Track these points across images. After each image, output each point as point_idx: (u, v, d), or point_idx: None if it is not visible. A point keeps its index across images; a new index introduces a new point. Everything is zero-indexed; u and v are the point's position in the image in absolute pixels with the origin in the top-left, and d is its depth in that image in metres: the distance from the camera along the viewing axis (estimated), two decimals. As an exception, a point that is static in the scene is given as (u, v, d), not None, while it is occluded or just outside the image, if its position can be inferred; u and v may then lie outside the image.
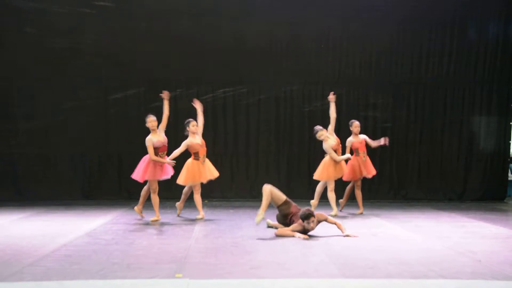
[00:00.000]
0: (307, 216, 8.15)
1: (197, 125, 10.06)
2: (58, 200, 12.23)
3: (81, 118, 12.42)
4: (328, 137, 10.47)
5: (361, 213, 10.94)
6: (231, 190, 12.90)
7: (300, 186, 12.77)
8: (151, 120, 9.69)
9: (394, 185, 13.24)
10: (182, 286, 5.59)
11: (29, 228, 9.10)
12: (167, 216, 10.27)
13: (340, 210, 11.12)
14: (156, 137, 9.63)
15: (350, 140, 10.97)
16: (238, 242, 7.85)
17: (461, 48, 13.13)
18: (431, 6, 13.06)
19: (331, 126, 10.50)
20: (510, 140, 13.48)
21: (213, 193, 12.57)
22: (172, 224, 9.58)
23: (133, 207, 10.37)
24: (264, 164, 13.00)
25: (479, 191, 13.28)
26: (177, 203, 10.38)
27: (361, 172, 10.89)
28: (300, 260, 6.83)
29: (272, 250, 7.37)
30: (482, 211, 11.51)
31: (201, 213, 10.09)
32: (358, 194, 11.01)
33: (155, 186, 9.73)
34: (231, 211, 11.19)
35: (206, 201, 12.06)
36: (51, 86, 12.46)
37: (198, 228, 9.14)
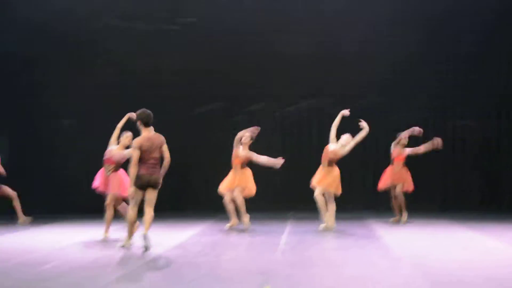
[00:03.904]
0: None
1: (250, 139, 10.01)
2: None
3: (167, 132, 12.55)
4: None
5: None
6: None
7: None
8: (127, 136, 9.19)
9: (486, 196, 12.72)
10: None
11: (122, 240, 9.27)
12: (254, 228, 10.24)
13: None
14: (116, 149, 9.19)
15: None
16: (325, 255, 7.75)
17: None
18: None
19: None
20: None
21: (299, 205, 12.43)
22: (258, 236, 9.52)
23: (220, 219, 10.35)
24: (348, 176, 12.77)
25: None
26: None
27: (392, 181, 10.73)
28: (388, 273, 6.60)
29: (359, 262, 7.20)
30: None
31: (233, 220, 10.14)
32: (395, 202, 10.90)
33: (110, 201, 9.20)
34: (316, 222, 11.06)
35: (291, 213, 11.99)
36: (135, 101, 12.70)
37: (284, 240, 9.05)
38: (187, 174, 12.89)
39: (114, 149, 9.16)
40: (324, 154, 10.04)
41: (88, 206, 11.15)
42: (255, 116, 12.81)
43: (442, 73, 12.85)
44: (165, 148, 7.98)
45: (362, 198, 12.71)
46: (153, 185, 7.87)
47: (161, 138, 8.02)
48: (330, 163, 9.96)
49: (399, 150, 10.77)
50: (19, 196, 9.96)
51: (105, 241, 8.99)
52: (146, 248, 7.67)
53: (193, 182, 12.97)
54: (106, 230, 9.18)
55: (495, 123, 12.84)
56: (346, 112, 10.20)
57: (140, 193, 7.87)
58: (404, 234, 9.70)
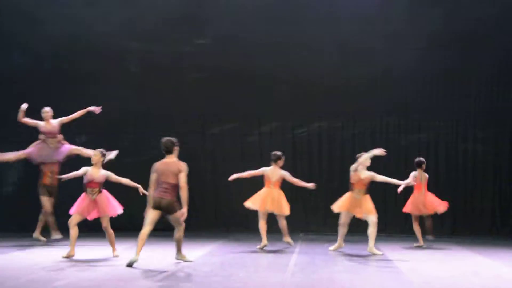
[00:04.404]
0: None
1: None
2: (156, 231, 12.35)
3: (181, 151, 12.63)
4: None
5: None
6: (326, 224, 12.66)
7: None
8: (95, 154, 9.17)
9: (497, 221, 12.62)
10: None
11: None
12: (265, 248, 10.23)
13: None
14: (91, 170, 9.05)
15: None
16: (334, 277, 7.65)
17: None
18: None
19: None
20: None
21: (309, 227, 12.41)
22: (268, 256, 9.50)
23: (229, 240, 10.35)
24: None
25: None
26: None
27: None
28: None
29: (369, 285, 7.16)
30: None
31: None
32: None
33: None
34: (326, 245, 11.01)
35: (301, 234, 11.95)
36: (151, 120, 12.81)
37: (293, 261, 9.01)
38: (197, 194, 12.90)
39: (91, 171, 9.02)
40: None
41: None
42: (266, 136, 12.88)
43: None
44: (181, 176, 8.17)
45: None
46: (165, 209, 8.16)
47: (179, 165, 8.25)
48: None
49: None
50: None
51: (116, 257, 9.09)
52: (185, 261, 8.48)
53: (204, 202, 12.96)
54: (113, 249, 9.28)
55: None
56: (380, 151, 9.89)
57: (154, 213, 8.20)
58: (414, 257, 9.63)
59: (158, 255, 9.46)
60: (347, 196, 10.01)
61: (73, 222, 8.95)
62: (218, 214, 12.65)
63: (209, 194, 12.89)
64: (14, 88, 12.50)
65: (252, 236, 11.33)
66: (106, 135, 12.32)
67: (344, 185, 12.53)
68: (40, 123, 10.79)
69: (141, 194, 8.99)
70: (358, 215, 9.97)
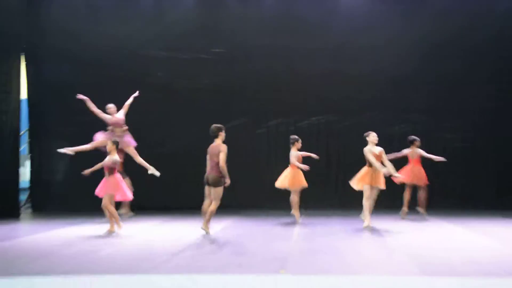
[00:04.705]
0: None
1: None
2: (182, 209, 12.38)
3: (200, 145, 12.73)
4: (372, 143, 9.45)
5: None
6: (323, 201, 12.68)
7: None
8: (108, 144, 9.17)
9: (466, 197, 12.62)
10: (285, 281, 5.59)
11: (164, 231, 9.46)
12: (271, 222, 10.31)
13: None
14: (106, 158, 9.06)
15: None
16: (331, 244, 7.76)
17: None
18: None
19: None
20: None
21: (309, 204, 12.45)
22: (276, 229, 9.58)
23: (243, 215, 10.43)
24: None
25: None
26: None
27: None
28: (383, 259, 6.70)
29: (359, 250, 7.27)
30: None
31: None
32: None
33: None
34: (323, 219, 11.09)
35: (302, 209, 12.06)
36: (174, 116, 12.90)
37: (296, 232, 9.12)
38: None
39: (106, 158, 9.02)
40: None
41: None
42: (273, 129, 13.01)
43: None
44: (221, 155, 8.46)
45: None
46: (211, 183, 8.50)
47: (219, 147, 8.58)
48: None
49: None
50: None
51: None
52: (206, 232, 8.56)
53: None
54: (119, 225, 9.02)
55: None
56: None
57: (207, 187, 8.62)
58: (397, 228, 9.62)
59: (185, 229, 9.63)
60: (366, 171, 9.41)
61: (104, 203, 8.85)
62: (231, 194, 12.68)
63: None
64: (64, 94, 12.59)
65: (260, 213, 11.51)
66: (140, 128, 12.38)
67: (336, 166, 12.83)
68: (107, 116, 11.01)
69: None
70: (382, 187, 9.45)
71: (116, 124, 11.00)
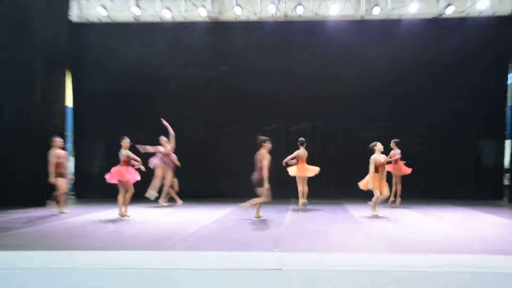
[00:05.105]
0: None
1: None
2: (198, 198, 12.40)
3: (207, 147, 12.79)
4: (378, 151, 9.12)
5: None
6: (311, 192, 12.67)
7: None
8: (125, 142, 9.27)
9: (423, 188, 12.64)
10: (279, 257, 5.60)
11: (180, 215, 9.45)
12: (268, 209, 10.26)
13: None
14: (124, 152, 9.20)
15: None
16: (317, 228, 7.76)
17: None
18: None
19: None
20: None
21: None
22: (270, 215, 9.54)
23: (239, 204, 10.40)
24: (333, 174, 12.86)
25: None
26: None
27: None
28: (360, 240, 6.71)
29: (341, 234, 7.26)
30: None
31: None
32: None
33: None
34: (310, 207, 11.08)
35: (293, 199, 12.03)
36: (184, 122, 12.78)
37: (288, 218, 9.10)
38: (222, 172, 13.04)
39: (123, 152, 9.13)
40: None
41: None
42: (267, 133, 12.96)
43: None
44: (263, 161, 8.40)
45: (341, 190, 12.74)
46: (255, 184, 8.57)
47: (262, 155, 8.50)
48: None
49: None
50: None
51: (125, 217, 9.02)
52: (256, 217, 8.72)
53: (224, 175, 13.06)
54: (125, 209, 9.10)
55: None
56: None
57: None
58: (371, 214, 9.66)
59: (200, 214, 9.61)
60: (375, 177, 8.95)
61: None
62: (234, 186, 12.71)
63: (227, 173, 12.98)
64: (98, 102, 12.87)
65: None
66: (155, 133, 12.39)
67: (319, 163, 12.74)
68: (160, 148, 11.14)
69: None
70: (386, 193, 8.99)
71: (167, 154, 11.13)
